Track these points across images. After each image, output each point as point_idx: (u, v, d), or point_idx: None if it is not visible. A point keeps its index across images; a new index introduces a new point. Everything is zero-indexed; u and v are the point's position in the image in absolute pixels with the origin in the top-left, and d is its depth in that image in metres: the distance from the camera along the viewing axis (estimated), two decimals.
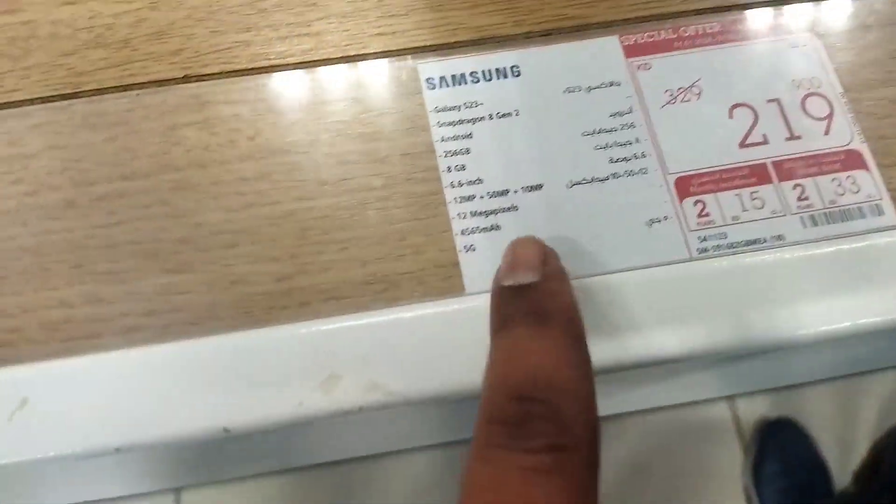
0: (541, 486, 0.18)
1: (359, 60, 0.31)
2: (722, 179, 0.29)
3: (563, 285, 0.24)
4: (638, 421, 1.00)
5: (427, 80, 0.31)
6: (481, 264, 0.28)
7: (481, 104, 0.30)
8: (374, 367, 0.26)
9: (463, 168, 0.29)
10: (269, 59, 0.30)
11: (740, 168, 0.30)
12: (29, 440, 0.25)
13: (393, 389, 0.26)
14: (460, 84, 0.31)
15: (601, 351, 0.27)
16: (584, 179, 0.29)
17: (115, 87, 0.29)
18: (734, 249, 0.28)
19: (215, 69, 0.30)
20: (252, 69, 0.30)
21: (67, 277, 0.27)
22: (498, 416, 0.20)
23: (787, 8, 0.32)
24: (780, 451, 1.00)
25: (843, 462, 1.01)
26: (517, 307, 0.23)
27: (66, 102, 0.29)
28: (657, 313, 0.27)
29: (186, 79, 0.30)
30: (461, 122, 0.30)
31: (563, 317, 0.23)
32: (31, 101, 0.29)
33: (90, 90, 0.29)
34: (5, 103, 0.29)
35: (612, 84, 0.31)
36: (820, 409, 1.05)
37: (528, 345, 0.21)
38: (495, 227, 0.28)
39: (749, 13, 0.32)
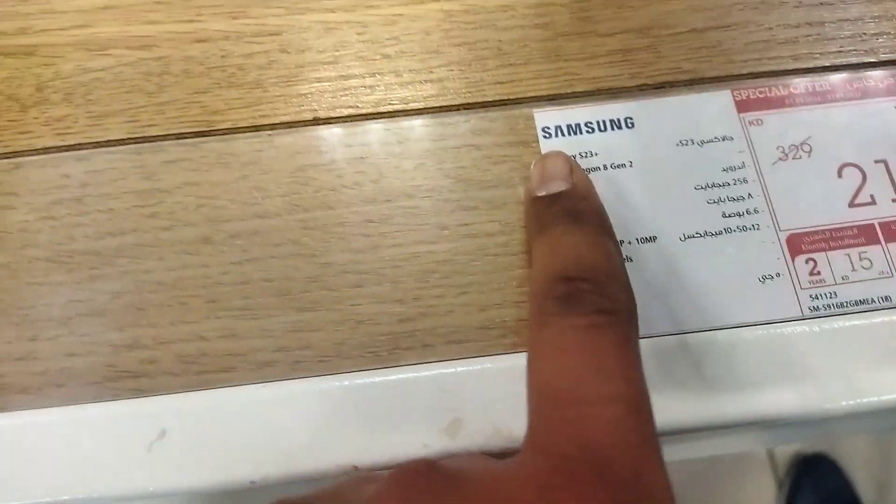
0: (595, 337, 0.21)
1: (478, 108, 0.31)
2: (832, 238, 0.30)
3: (591, 190, 0.27)
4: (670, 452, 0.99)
5: (543, 128, 0.31)
6: None
7: (596, 154, 0.31)
8: (496, 413, 0.27)
9: None
10: (393, 104, 0.31)
11: (850, 227, 0.30)
12: (167, 471, 0.26)
13: (515, 436, 0.27)
14: (575, 134, 0.31)
15: (710, 407, 0.27)
16: (697, 233, 0.30)
17: (247, 127, 0.30)
18: (843, 309, 0.29)
19: (342, 113, 0.31)
20: (377, 114, 0.31)
21: (203, 312, 0.28)
22: (549, 294, 0.22)
23: (894, 69, 0.33)
24: (815, 486, 1.00)
25: (879, 503, 1.01)
26: (553, 211, 0.26)
27: (199, 140, 0.30)
28: (769, 371, 0.28)
29: (315, 121, 0.31)
30: None
31: (595, 216, 0.26)
32: (166, 137, 0.30)
33: (223, 129, 0.30)
34: (141, 138, 0.30)
35: (724, 138, 0.31)
36: (856, 447, 1.04)
37: (568, 239, 0.24)
38: None
39: (858, 74, 0.32)
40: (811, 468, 1.02)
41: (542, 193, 0.27)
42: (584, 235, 0.24)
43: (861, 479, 1.01)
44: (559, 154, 0.28)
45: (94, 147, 0.30)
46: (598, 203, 0.27)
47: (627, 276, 0.24)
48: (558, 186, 0.26)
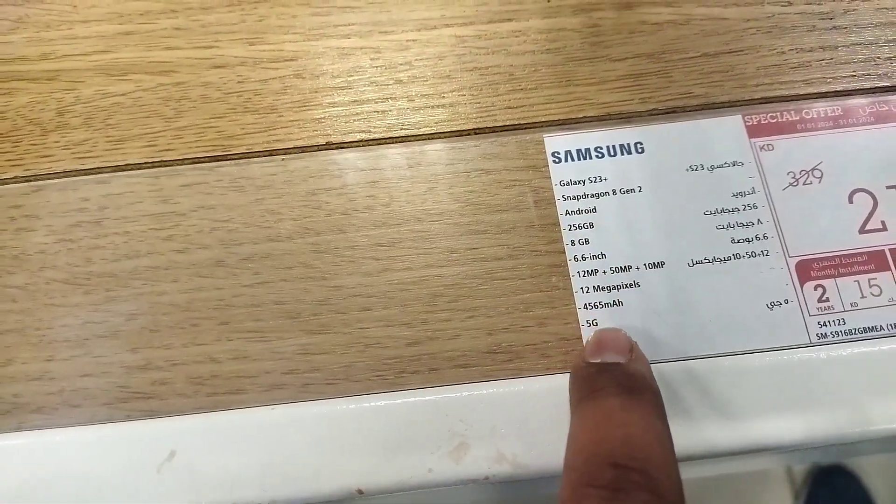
0: None
1: (488, 133, 0.32)
2: (842, 265, 0.30)
3: (647, 369, 0.25)
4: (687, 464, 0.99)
5: (553, 153, 0.32)
6: None
7: (605, 179, 0.31)
8: (502, 438, 0.27)
9: (587, 242, 0.30)
10: (405, 129, 0.32)
11: (859, 254, 0.30)
12: (176, 493, 0.26)
13: (520, 462, 0.27)
14: (585, 158, 0.32)
15: (717, 435, 0.27)
16: (705, 259, 0.30)
17: (262, 151, 0.31)
18: (852, 336, 0.29)
19: (355, 137, 0.31)
20: (388, 138, 0.32)
21: (215, 334, 0.28)
22: (593, 481, 0.20)
23: None
24: (833, 497, 0.99)
25: None
26: (607, 379, 0.24)
27: (215, 164, 0.31)
28: (776, 399, 0.28)
29: (328, 146, 0.31)
30: (585, 196, 0.31)
31: (650, 394, 0.23)
32: (182, 162, 0.31)
33: (238, 154, 0.31)
34: (158, 162, 0.31)
35: (734, 164, 0.31)
36: (874, 457, 1.02)
37: (620, 414, 0.22)
38: (617, 303, 0.29)
39: (869, 99, 0.32)
40: (828, 479, 1.01)
41: (595, 360, 0.25)
42: (637, 414, 0.22)
43: (879, 489, 1.00)
44: (618, 329, 0.27)
45: (113, 171, 0.31)
46: (655, 384, 0.24)
47: (678, 468, 0.21)
48: (614, 359, 0.24)
